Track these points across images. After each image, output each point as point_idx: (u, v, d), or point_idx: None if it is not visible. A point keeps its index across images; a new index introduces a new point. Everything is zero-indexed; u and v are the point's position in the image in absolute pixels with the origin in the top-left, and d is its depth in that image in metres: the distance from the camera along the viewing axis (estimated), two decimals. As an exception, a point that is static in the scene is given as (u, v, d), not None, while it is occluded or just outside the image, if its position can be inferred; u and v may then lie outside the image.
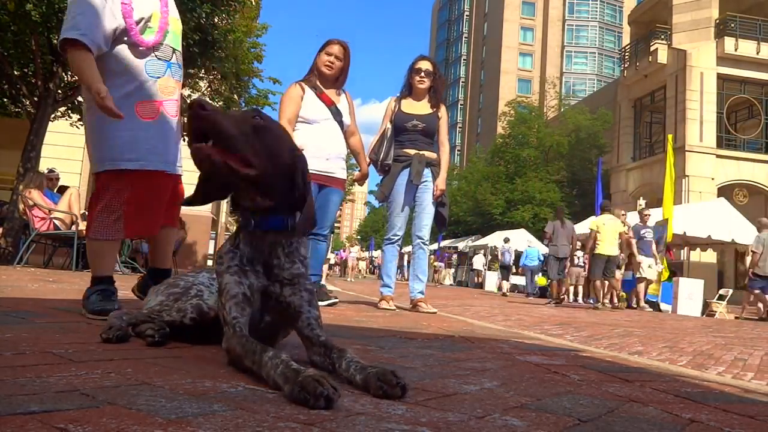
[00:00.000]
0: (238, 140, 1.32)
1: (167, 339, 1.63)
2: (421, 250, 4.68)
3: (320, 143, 4.03)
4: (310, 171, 3.79)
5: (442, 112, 4.78)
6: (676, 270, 12.41)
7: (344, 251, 32.51)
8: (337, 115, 4.16)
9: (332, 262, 28.96)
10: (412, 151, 4.57)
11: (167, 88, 2.51)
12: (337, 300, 4.23)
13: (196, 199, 1.55)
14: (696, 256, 17.58)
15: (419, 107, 4.69)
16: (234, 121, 1.35)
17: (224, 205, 21.22)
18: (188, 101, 1.37)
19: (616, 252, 9.73)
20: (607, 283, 9.80)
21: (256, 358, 1.23)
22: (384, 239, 4.79)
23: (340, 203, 4.33)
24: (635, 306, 10.64)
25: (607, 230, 9.58)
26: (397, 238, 4.66)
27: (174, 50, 2.57)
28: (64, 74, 8.96)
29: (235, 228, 1.56)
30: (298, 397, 1.05)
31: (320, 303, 3.97)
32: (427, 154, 4.61)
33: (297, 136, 3.97)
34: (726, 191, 19.69)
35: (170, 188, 2.59)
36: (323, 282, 4.77)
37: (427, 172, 4.60)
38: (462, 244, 30.94)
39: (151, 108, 2.43)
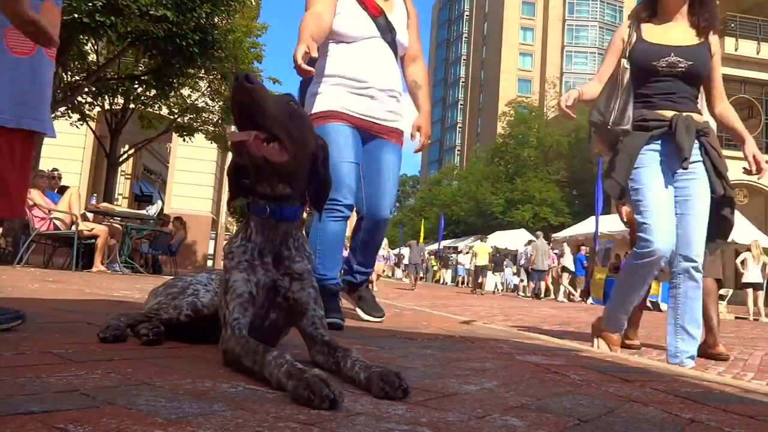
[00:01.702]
0: (277, 122, 1.32)
1: (162, 337, 1.63)
2: (693, 283, 2.65)
3: (360, 73, 2.72)
4: (347, 112, 2.78)
5: (715, 43, 2.76)
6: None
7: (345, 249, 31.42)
8: (386, 31, 2.80)
9: None
10: (668, 113, 2.67)
11: (52, 17, 1.82)
12: (382, 317, 3.07)
13: (235, 194, 1.52)
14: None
15: (677, 34, 2.73)
16: (275, 102, 1.34)
17: (224, 205, 21.22)
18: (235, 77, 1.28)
19: (486, 263, 17.28)
20: (486, 279, 18.43)
21: (257, 357, 1.22)
22: (636, 251, 2.67)
23: (399, 166, 2.93)
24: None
25: (481, 251, 17.15)
26: (662, 251, 2.56)
27: None
28: (63, 74, 8.96)
29: (240, 223, 1.55)
30: (302, 395, 1.04)
31: (371, 318, 3.00)
32: (694, 116, 2.69)
33: (328, 62, 2.74)
34: (726, 191, 19.66)
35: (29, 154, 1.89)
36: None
37: (695, 149, 2.67)
38: (462, 244, 30.96)
39: (26, 39, 1.68)
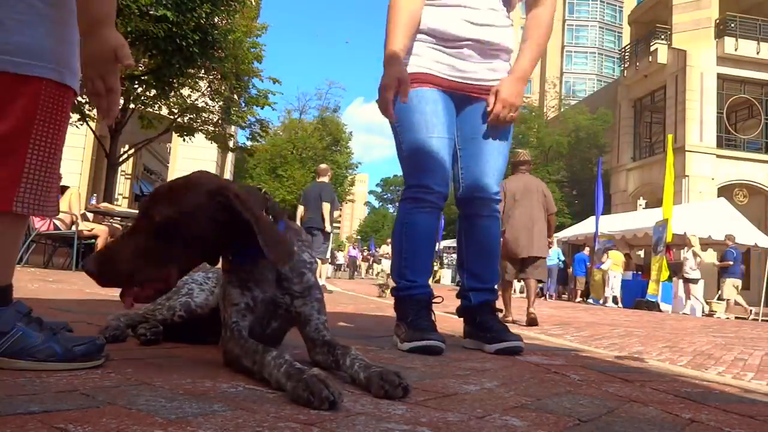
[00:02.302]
0: (127, 265, 1.22)
1: (161, 337, 1.64)
2: None
3: (449, 25, 2.17)
4: (435, 73, 2.18)
5: None
6: (676, 270, 12.42)
7: (351, 248, 31.22)
8: None
9: (340, 261, 28.45)
10: None
11: None
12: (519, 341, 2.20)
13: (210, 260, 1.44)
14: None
15: None
16: (120, 255, 1.23)
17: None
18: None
19: None
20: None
21: (257, 358, 1.22)
22: None
23: (507, 133, 2.32)
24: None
25: None
26: None
27: None
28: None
29: None
30: (301, 395, 1.04)
31: (501, 346, 2.09)
32: None
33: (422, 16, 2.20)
34: (726, 191, 19.68)
35: None
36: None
37: None
38: (462, 244, 30.93)
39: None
